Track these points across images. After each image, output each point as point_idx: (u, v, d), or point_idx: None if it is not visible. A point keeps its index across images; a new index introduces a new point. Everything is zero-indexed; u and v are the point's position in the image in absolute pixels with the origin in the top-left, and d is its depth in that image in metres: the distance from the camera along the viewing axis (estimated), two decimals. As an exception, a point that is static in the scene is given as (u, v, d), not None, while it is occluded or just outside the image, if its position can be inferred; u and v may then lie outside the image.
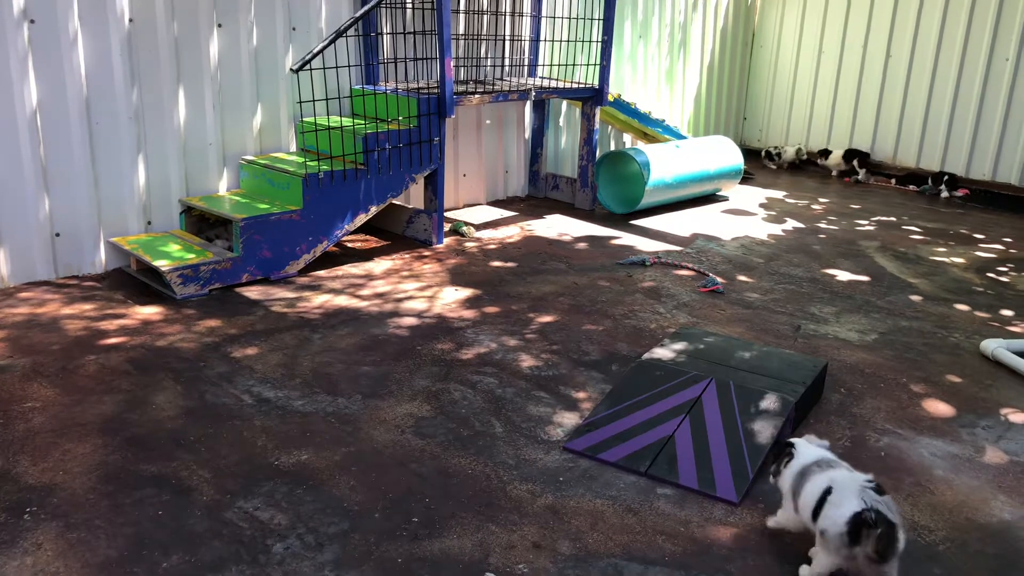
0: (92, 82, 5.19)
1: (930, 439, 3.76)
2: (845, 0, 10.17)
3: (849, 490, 2.65)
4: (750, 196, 8.79)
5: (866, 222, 7.87)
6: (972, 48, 9.20)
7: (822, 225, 7.68)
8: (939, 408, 4.07)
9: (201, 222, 5.76)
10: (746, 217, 7.89)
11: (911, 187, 9.53)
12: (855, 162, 9.95)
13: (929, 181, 9.34)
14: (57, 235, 5.22)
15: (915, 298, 5.69)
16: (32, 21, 4.89)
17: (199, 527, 2.92)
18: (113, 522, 2.92)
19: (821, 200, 8.77)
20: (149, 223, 5.65)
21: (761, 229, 7.44)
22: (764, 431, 3.52)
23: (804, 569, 2.80)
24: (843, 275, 6.16)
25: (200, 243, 5.47)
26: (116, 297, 5.02)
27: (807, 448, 2.95)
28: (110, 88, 5.26)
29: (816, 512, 2.70)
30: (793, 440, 3.01)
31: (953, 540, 3.05)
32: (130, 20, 5.28)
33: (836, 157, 10.11)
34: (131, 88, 5.35)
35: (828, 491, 2.69)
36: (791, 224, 7.67)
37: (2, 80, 4.82)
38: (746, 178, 9.44)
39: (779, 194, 8.97)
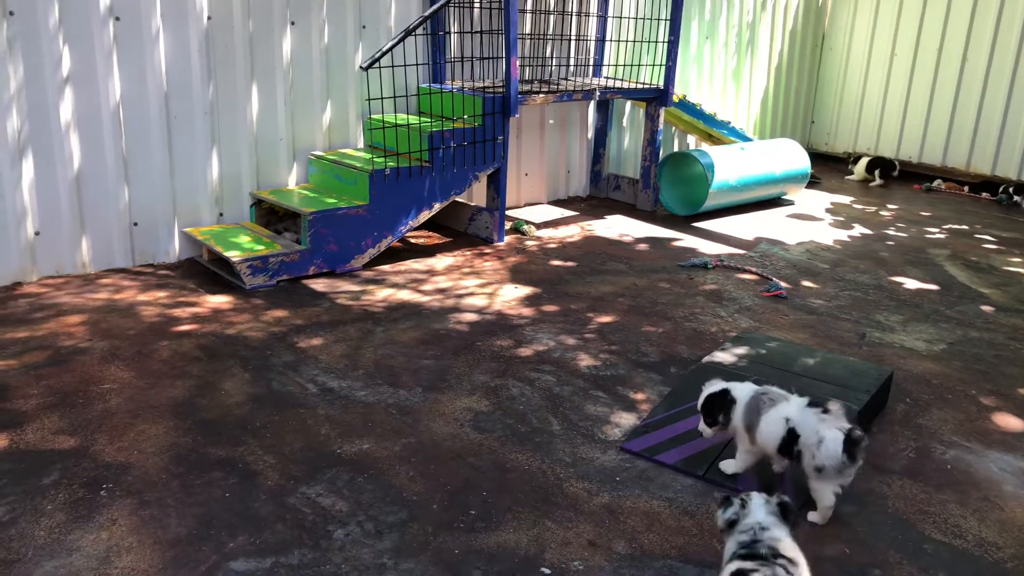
0: (171, 78, 5.37)
1: (1000, 453, 3.66)
2: (920, 3, 9.91)
3: (813, 423, 3.00)
4: (816, 201, 8.64)
5: (936, 230, 7.66)
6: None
7: (890, 232, 7.51)
8: (1010, 422, 3.96)
9: (270, 215, 5.91)
10: (812, 222, 7.75)
11: (984, 195, 9.22)
12: (877, 172, 9.71)
13: (1000, 191, 9.01)
14: (135, 224, 5.43)
15: (987, 309, 5.53)
16: (118, 19, 5.09)
17: (264, 510, 3.01)
18: (183, 502, 3.03)
19: (890, 206, 8.57)
20: (221, 215, 5.82)
21: (827, 234, 7.31)
22: (825, 439, 3.47)
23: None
24: (911, 283, 6.01)
25: (269, 235, 5.62)
26: (188, 285, 5.19)
27: (741, 388, 3.25)
28: (188, 84, 5.44)
29: (785, 449, 3.06)
30: (725, 387, 3.26)
31: (1022, 558, 2.97)
32: (208, 18, 5.45)
33: (861, 168, 9.88)
34: (207, 84, 5.53)
35: (793, 432, 3.02)
36: (858, 230, 7.51)
37: (89, 75, 5.03)
38: (812, 182, 9.27)
39: (846, 199, 8.79)
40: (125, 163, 5.29)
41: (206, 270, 5.47)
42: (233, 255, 5.17)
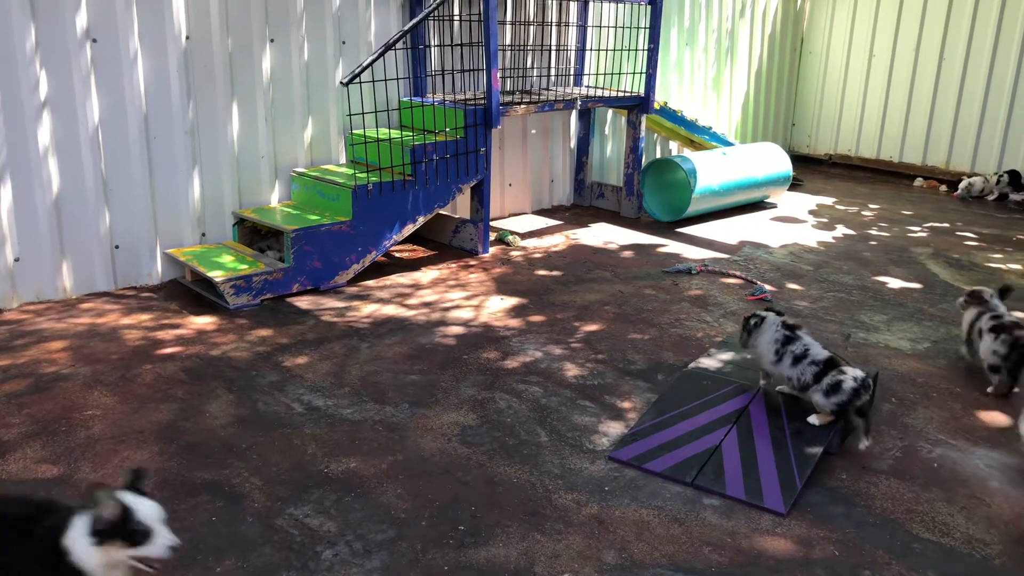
0: (150, 98, 5.35)
1: (985, 450, 3.68)
2: (897, 3, 10.00)
3: None
4: (799, 203, 8.68)
5: (918, 228, 7.71)
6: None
7: (873, 232, 7.55)
8: (995, 418, 3.98)
9: (253, 233, 5.90)
10: (795, 224, 7.79)
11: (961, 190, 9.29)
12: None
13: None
14: (116, 247, 5.40)
15: (970, 306, 5.56)
16: (94, 40, 5.07)
17: (251, 533, 2.99)
18: (169, 527, 2.99)
19: (872, 206, 8.62)
20: (203, 235, 5.80)
21: (810, 236, 7.34)
22: (813, 441, 3.48)
23: None
24: (894, 282, 6.05)
25: (252, 254, 5.60)
26: (172, 307, 5.16)
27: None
28: (167, 104, 5.42)
29: None
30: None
31: (1010, 554, 2.98)
32: (187, 37, 5.44)
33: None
34: (187, 103, 5.51)
35: None
36: (841, 231, 7.56)
37: (66, 98, 5.01)
38: (795, 185, 9.32)
39: (829, 201, 8.85)
40: (105, 185, 5.27)
41: (189, 291, 5.44)
42: (216, 275, 5.15)
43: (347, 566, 2.82)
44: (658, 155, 9.27)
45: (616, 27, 7.89)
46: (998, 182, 8.91)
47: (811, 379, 3.60)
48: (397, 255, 6.45)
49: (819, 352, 3.66)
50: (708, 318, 5.21)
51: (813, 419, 3.63)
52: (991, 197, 8.98)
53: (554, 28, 7.61)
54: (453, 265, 6.23)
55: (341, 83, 5.49)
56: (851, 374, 3.53)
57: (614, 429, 3.79)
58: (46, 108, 4.96)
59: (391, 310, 5.23)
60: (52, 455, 3.44)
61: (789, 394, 3.79)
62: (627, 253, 6.68)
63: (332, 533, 3.00)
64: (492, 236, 6.86)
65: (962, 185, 9.10)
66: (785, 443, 3.49)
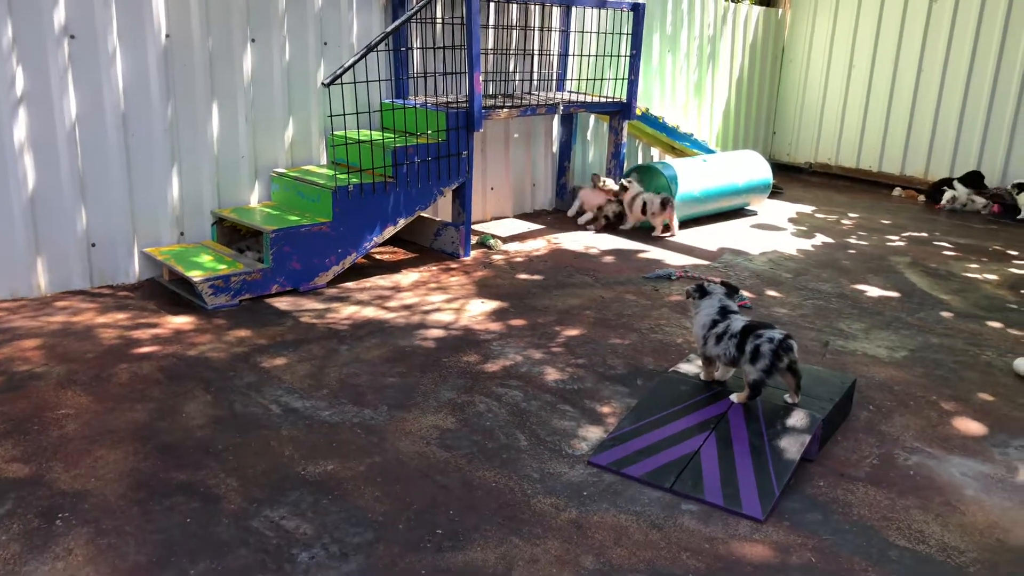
0: (129, 96, 5.30)
1: (961, 458, 3.71)
2: (876, 14, 10.12)
3: None
4: (779, 211, 8.74)
5: (896, 238, 7.79)
6: (1007, 62, 9.11)
7: (852, 240, 7.62)
8: (970, 427, 4.01)
9: (232, 233, 5.85)
10: (775, 232, 7.84)
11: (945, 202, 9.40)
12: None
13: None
14: (93, 245, 5.33)
15: (946, 315, 5.62)
16: (72, 37, 5.01)
17: (226, 535, 2.95)
18: (143, 528, 2.97)
19: (851, 215, 8.70)
20: (182, 234, 5.74)
21: (790, 244, 7.39)
22: (791, 448, 3.50)
23: None
24: (873, 291, 6.10)
25: (231, 254, 5.55)
26: (149, 307, 5.11)
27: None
28: (146, 102, 5.37)
29: None
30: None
31: (983, 562, 3.00)
32: (167, 36, 5.39)
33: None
34: (167, 102, 5.46)
35: None
36: (820, 239, 7.61)
37: (43, 95, 4.94)
38: (775, 192, 9.39)
39: (808, 209, 8.91)
40: (82, 183, 5.20)
41: (167, 291, 5.38)
42: (194, 275, 5.09)
43: (323, 569, 2.79)
44: (640, 161, 9.31)
45: (598, 33, 7.91)
46: (984, 207, 8.99)
47: (735, 351, 3.73)
48: (378, 257, 6.42)
49: (736, 324, 3.78)
50: (687, 324, 5.22)
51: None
52: (984, 211, 9.04)
53: (537, 33, 7.62)
54: (434, 268, 6.21)
55: (322, 84, 5.46)
56: (767, 335, 3.65)
57: (593, 434, 3.79)
58: (22, 104, 4.89)
59: (371, 312, 5.20)
60: (24, 454, 3.38)
61: (768, 402, 3.81)
62: (608, 258, 6.69)
63: (308, 536, 2.97)
64: (474, 239, 6.85)
65: (946, 197, 9.18)
66: (763, 449, 3.51)
